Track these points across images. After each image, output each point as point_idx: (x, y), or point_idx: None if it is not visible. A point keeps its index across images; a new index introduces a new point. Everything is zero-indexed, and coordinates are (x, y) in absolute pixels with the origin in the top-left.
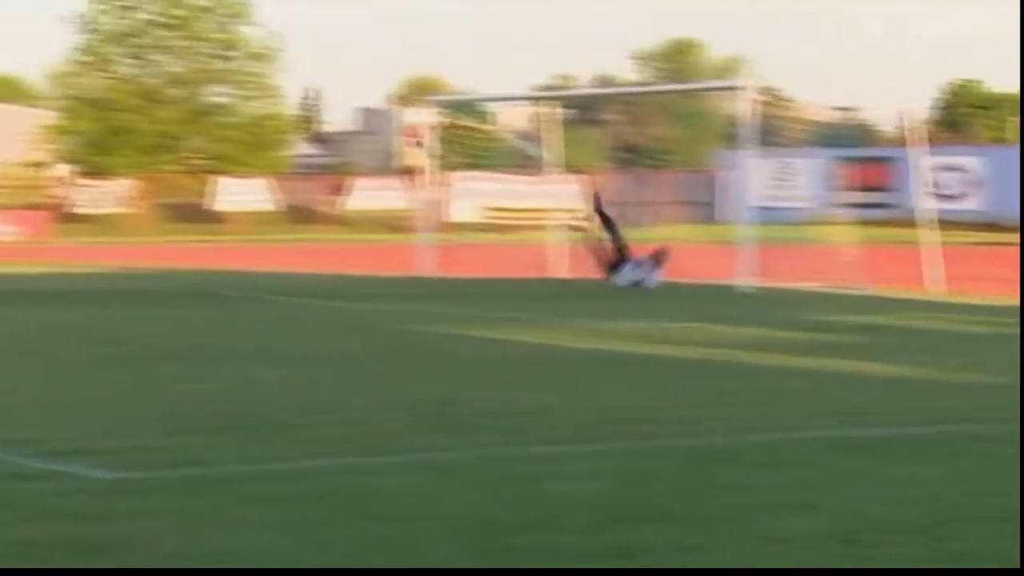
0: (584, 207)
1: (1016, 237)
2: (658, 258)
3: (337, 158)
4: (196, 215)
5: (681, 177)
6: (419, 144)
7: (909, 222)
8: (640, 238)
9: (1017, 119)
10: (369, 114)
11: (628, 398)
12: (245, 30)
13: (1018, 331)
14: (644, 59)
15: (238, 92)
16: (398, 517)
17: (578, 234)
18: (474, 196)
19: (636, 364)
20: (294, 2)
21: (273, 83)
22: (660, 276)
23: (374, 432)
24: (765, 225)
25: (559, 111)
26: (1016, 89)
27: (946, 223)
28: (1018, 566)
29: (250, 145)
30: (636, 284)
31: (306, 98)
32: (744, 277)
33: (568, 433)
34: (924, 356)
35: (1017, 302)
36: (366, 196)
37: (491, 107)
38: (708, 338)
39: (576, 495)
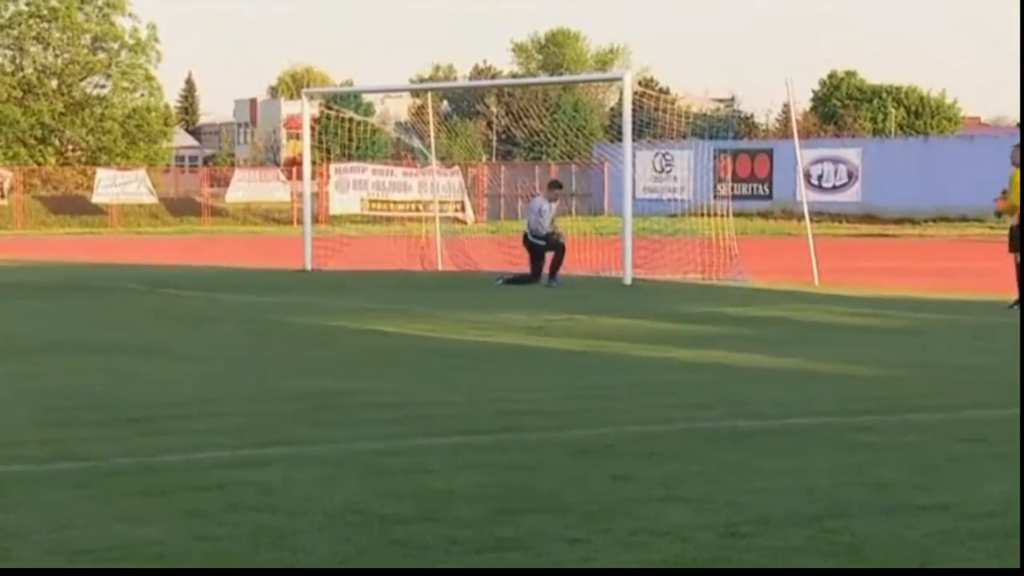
0: (462, 199)
1: (893, 228)
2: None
3: (217, 150)
4: (75, 207)
5: (561, 169)
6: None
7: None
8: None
9: (894, 112)
10: (249, 106)
11: (511, 390)
12: (121, 21)
13: (898, 323)
14: (522, 51)
15: (115, 84)
16: (281, 510)
17: (458, 225)
18: (355, 188)
19: (519, 356)
20: None
21: (151, 75)
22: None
23: (256, 425)
24: (646, 216)
25: (437, 103)
26: (894, 81)
27: (824, 214)
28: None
29: (129, 137)
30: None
31: (186, 89)
32: (626, 269)
33: (452, 425)
34: (803, 348)
35: (894, 294)
36: (246, 188)
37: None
38: (591, 330)
39: (459, 488)
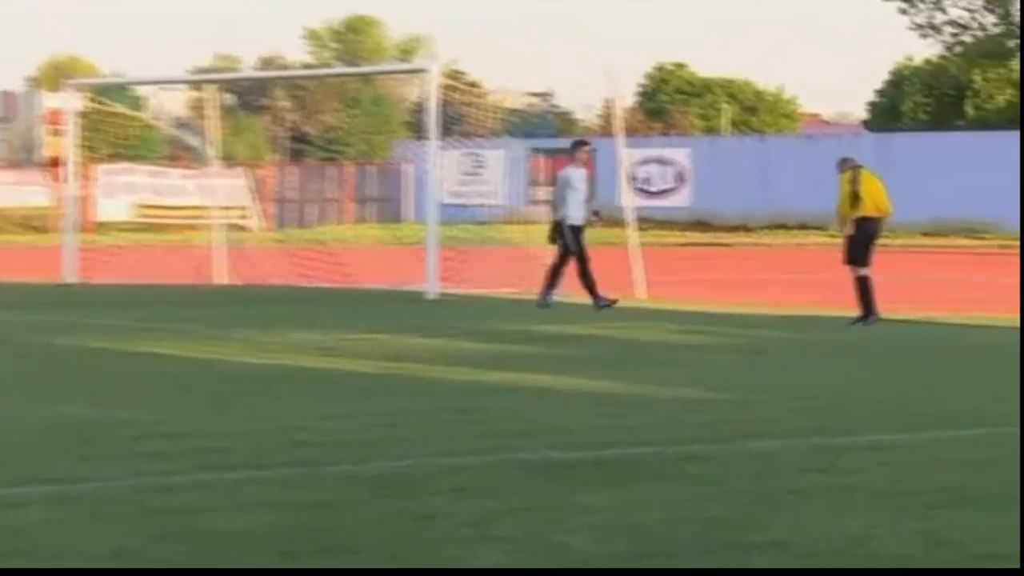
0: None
1: (727, 237)
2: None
3: None
4: None
5: (359, 170)
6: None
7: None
8: (312, 238)
9: (728, 108)
10: (4, 98)
11: (301, 418)
12: None
13: (733, 342)
14: (317, 39)
15: None
16: (38, 556)
17: (243, 234)
18: (125, 192)
19: (311, 380)
20: None
21: None
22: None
23: (10, 460)
24: (452, 224)
25: (220, 96)
26: (727, 74)
27: (651, 221)
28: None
29: None
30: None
31: None
32: (430, 282)
33: (234, 459)
34: (628, 370)
35: (728, 309)
36: (1, 191)
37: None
38: (391, 350)
39: (241, 528)
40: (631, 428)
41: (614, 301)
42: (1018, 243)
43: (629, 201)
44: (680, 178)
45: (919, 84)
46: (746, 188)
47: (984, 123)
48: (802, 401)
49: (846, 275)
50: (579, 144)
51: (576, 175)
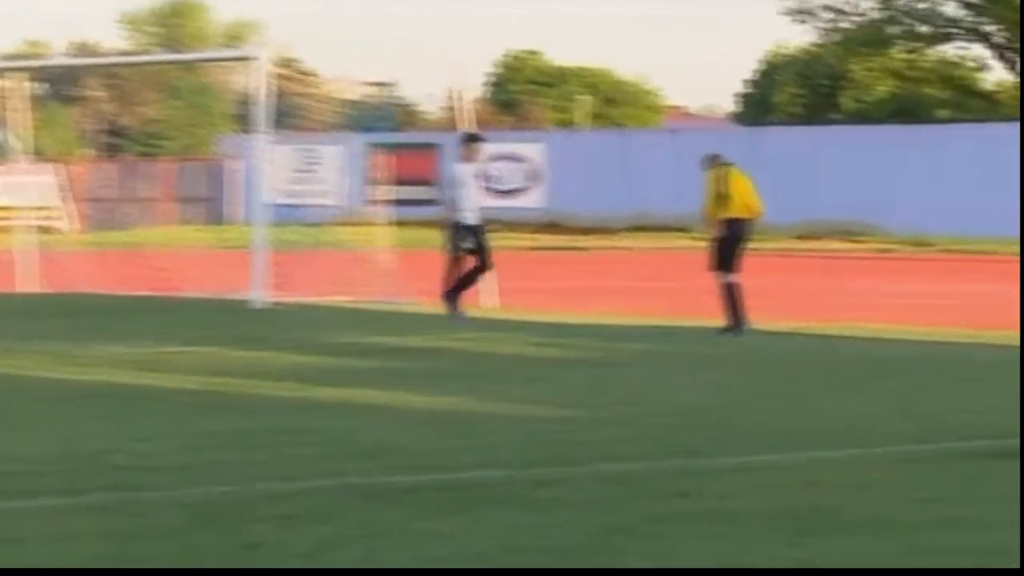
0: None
1: (584, 240)
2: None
3: None
4: None
5: (181, 167)
6: None
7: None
8: (129, 242)
9: (585, 98)
10: None
11: (117, 440)
12: None
13: (590, 354)
14: (133, 23)
15: None
16: None
17: (53, 236)
18: None
19: (127, 397)
20: None
21: None
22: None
23: None
24: (284, 226)
25: (27, 85)
26: (584, 63)
27: (502, 223)
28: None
29: None
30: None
31: None
32: (258, 290)
33: (44, 485)
34: (475, 385)
35: (586, 319)
36: None
37: None
38: (215, 365)
39: (55, 561)
40: (478, 449)
41: (465, 317)
42: (898, 246)
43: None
44: (533, 176)
45: (793, 74)
46: (605, 187)
47: (863, 116)
48: (664, 419)
49: (713, 282)
50: (472, 138)
51: (466, 171)
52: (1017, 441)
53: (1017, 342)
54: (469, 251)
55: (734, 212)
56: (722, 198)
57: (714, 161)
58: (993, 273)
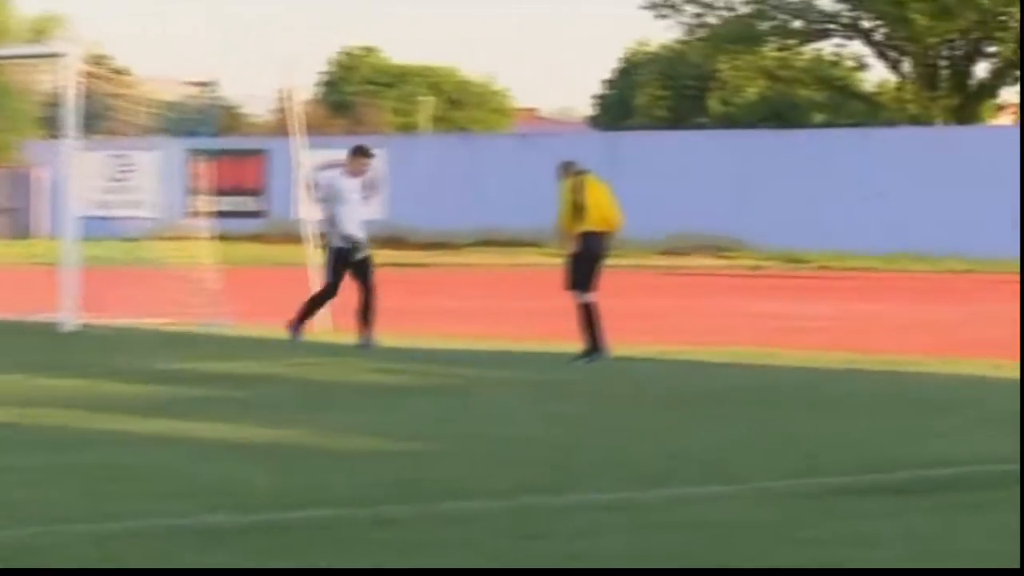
0: None
1: (425, 255)
2: None
3: None
4: None
5: None
6: None
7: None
8: None
9: (428, 100)
10: None
11: None
12: None
13: (433, 381)
14: None
15: None
16: None
17: None
18: None
19: None
20: None
21: None
22: None
23: None
24: (95, 240)
25: None
26: (426, 60)
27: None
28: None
29: None
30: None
31: None
32: (67, 311)
33: None
34: (307, 415)
35: (428, 343)
36: None
37: None
38: (20, 395)
39: None
40: (312, 486)
41: (301, 342)
42: (770, 262)
43: (309, 213)
44: (369, 186)
45: (655, 74)
46: (448, 197)
47: (732, 120)
48: (512, 452)
49: (568, 302)
50: (360, 151)
51: (347, 185)
52: (907, 475)
53: (897, 367)
54: (354, 272)
55: (591, 225)
56: (578, 210)
57: (569, 169)
58: (872, 292)
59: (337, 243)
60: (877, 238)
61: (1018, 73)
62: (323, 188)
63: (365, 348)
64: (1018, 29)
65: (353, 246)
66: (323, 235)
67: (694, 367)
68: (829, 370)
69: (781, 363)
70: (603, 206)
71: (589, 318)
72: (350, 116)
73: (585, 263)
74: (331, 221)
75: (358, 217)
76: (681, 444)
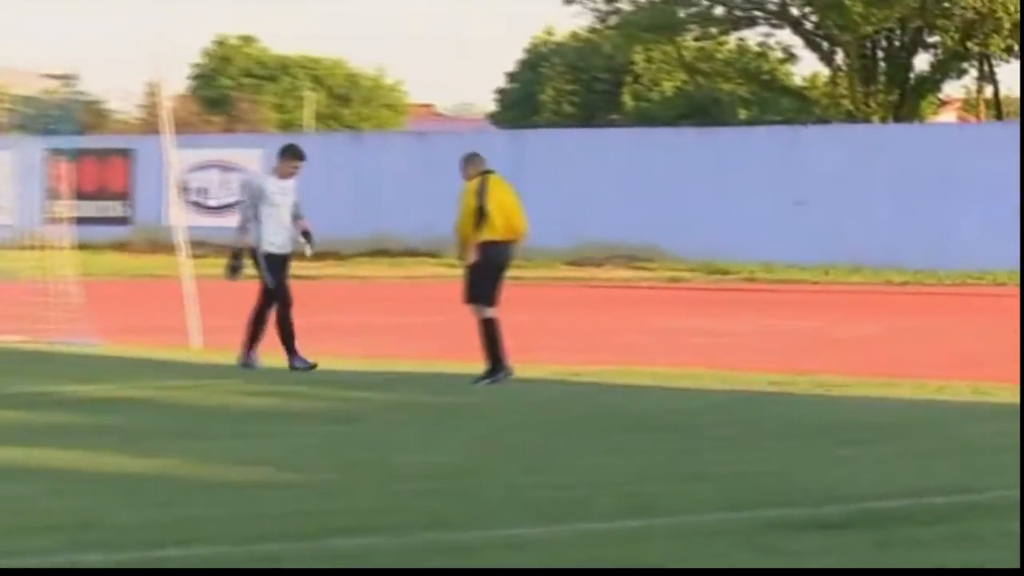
0: None
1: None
2: None
3: None
4: None
5: None
6: None
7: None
8: None
9: (312, 94)
10: None
11: None
12: None
13: (318, 406)
14: None
15: None
16: None
17: None
18: None
19: None
20: None
21: None
22: None
23: None
24: None
25: None
26: (309, 51)
27: (210, 246)
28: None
29: None
30: None
31: None
32: None
33: None
34: (181, 443)
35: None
36: None
37: None
38: None
39: None
40: (185, 521)
41: (313, 366)
42: (690, 274)
43: (180, 219)
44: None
45: (562, 66)
46: (336, 202)
47: (647, 117)
48: (409, 484)
49: (468, 317)
50: (291, 151)
51: (273, 186)
52: (844, 509)
53: (826, 389)
54: (264, 286)
55: (493, 234)
56: (480, 215)
57: (474, 163)
58: (802, 307)
59: (266, 248)
60: (808, 247)
61: (963, 66)
62: (248, 190)
63: (246, 369)
64: (962, 18)
65: (305, 238)
66: (242, 242)
67: (607, 389)
68: (754, 392)
69: (702, 385)
70: (508, 211)
71: (491, 335)
72: (226, 112)
73: (486, 275)
74: (252, 227)
75: (285, 222)
76: (594, 474)
